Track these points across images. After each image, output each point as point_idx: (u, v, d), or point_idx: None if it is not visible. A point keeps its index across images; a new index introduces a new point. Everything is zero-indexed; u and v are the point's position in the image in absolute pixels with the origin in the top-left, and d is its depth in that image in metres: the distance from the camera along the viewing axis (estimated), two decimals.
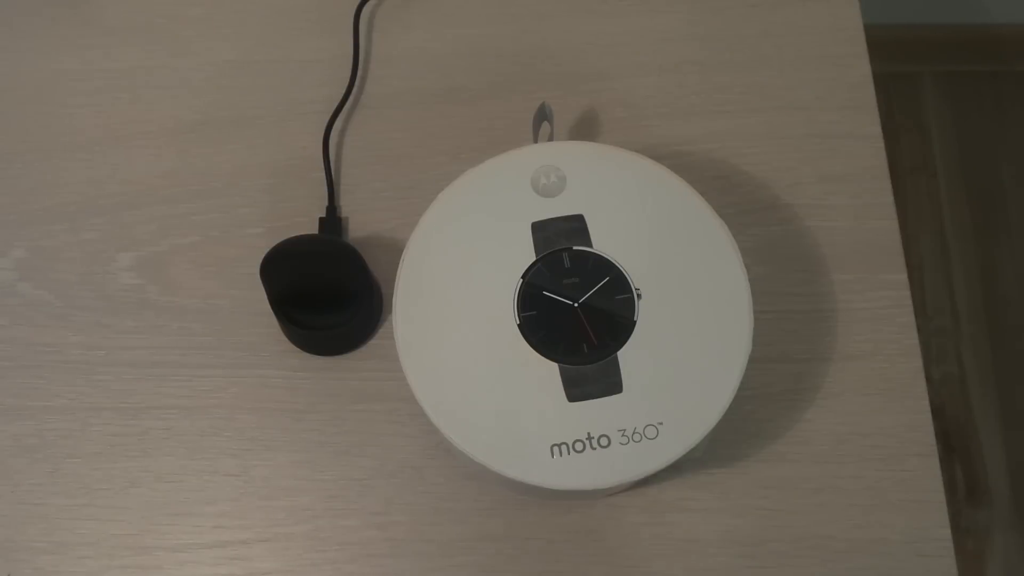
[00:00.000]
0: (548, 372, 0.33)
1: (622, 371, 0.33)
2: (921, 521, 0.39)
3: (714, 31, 0.48)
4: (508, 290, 0.34)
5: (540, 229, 0.35)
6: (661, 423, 0.32)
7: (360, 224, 0.44)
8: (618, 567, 0.38)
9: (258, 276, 0.40)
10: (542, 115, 0.41)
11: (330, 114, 0.45)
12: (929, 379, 0.41)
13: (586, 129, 0.45)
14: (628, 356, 0.33)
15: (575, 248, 0.35)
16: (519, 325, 0.34)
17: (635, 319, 0.34)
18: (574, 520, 0.39)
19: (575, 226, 0.35)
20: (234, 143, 0.45)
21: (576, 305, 0.34)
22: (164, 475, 0.40)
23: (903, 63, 1.28)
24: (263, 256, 0.40)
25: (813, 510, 0.39)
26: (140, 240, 0.44)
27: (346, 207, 0.44)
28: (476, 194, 0.36)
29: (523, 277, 0.35)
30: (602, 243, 0.35)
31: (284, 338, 0.42)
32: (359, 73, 0.47)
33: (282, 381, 0.41)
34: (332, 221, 0.43)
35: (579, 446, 0.32)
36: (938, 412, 1.11)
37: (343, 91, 0.46)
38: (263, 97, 0.46)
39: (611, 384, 0.33)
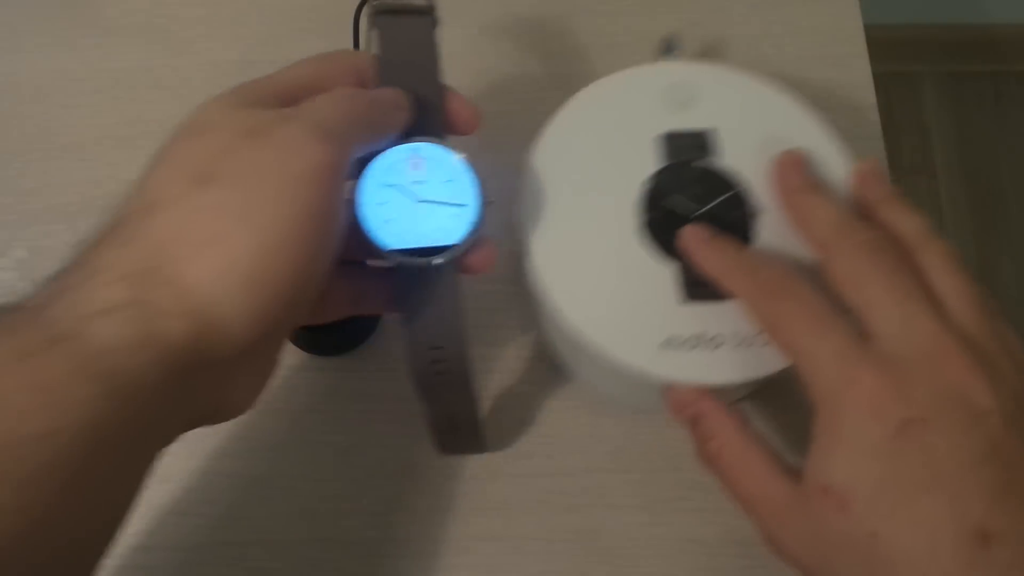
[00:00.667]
0: (667, 271, 0.35)
1: None
2: None
3: (714, 31, 0.48)
4: (633, 192, 0.36)
5: (668, 140, 0.37)
6: None
7: None
8: (618, 567, 0.38)
9: None
10: (669, 46, 0.42)
11: None
12: None
13: None
14: None
15: (701, 162, 0.36)
16: (642, 225, 0.35)
17: (751, 235, 0.35)
18: (574, 520, 0.39)
19: (702, 141, 0.37)
20: None
21: (697, 214, 0.35)
22: (164, 475, 0.40)
23: (903, 63, 1.28)
24: None
25: None
26: None
27: None
28: (608, 100, 0.38)
29: (648, 183, 0.36)
30: (727, 161, 0.36)
31: None
32: None
33: (282, 381, 0.41)
34: None
35: (692, 342, 0.34)
36: None
37: None
38: None
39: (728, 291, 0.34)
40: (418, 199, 0.31)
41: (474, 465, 0.40)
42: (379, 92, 0.31)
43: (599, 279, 0.35)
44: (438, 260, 0.31)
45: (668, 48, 0.42)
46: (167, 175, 0.27)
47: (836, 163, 0.37)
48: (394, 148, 0.31)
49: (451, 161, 0.31)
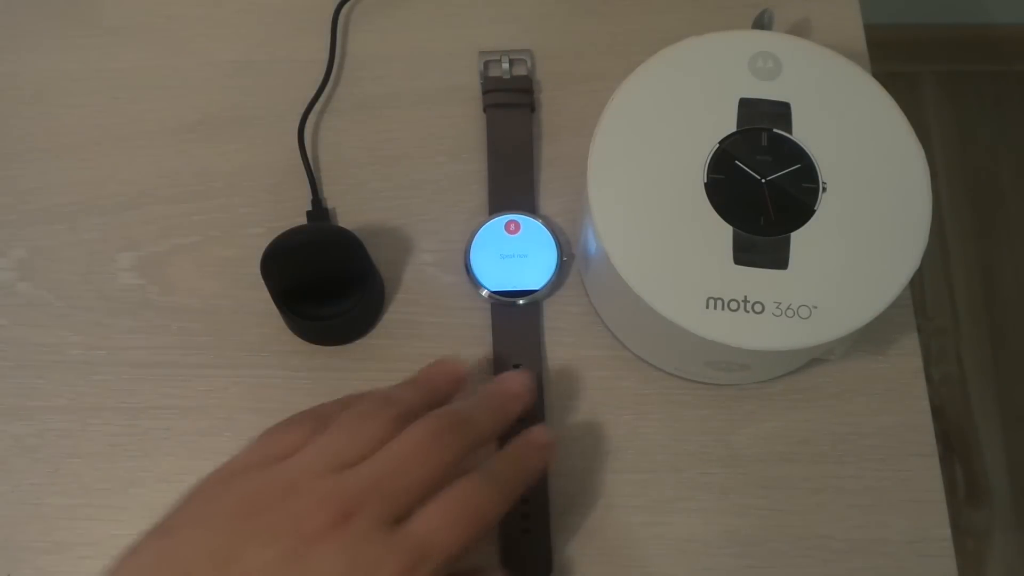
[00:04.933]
0: (722, 232, 0.35)
1: (791, 251, 0.35)
2: (921, 521, 0.39)
3: (714, 30, 0.48)
4: (703, 151, 0.36)
5: (746, 106, 0.37)
6: (816, 307, 0.34)
7: (360, 224, 0.43)
8: (618, 567, 0.38)
9: (258, 275, 0.40)
10: (761, 23, 0.43)
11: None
12: (929, 379, 0.41)
13: (585, 128, 0.45)
14: (800, 239, 0.35)
15: (775, 131, 0.37)
16: (706, 184, 0.36)
17: (815, 208, 0.35)
18: (574, 520, 0.39)
19: (780, 111, 0.37)
20: (234, 143, 0.45)
21: (764, 181, 0.36)
22: (164, 475, 0.40)
23: (903, 63, 1.28)
24: (263, 252, 0.40)
25: (813, 510, 0.39)
26: (140, 240, 0.44)
27: (346, 207, 0.44)
28: (694, 59, 0.38)
29: (720, 143, 0.36)
30: (802, 133, 0.37)
31: (285, 338, 0.42)
32: (351, 74, 0.47)
33: (283, 381, 0.41)
34: (319, 212, 0.43)
35: (734, 305, 0.34)
36: (938, 412, 1.11)
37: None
38: (263, 97, 0.46)
39: (778, 259, 0.35)
40: (514, 255, 0.41)
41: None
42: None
43: (654, 227, 0.36)
44: (522, 301, 0.41)
45: (762, 22, 0.44)
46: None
47: (909, 155, 0.37)
48: (496, 218, 0.42)
49: (536, 226, 0.42)
